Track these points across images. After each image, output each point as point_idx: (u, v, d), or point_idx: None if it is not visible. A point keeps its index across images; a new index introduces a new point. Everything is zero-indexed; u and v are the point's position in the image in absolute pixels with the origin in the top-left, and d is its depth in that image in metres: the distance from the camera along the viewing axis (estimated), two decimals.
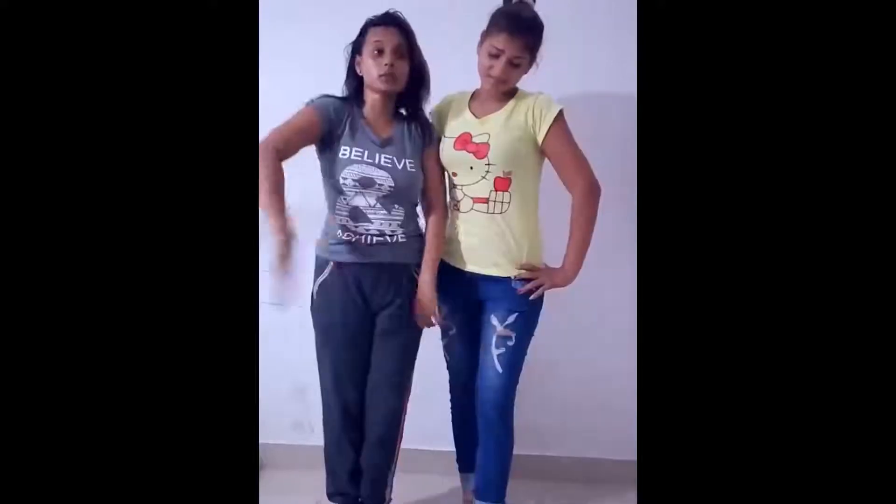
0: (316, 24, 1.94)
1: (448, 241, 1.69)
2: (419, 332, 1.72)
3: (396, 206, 1.61)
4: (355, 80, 1.64)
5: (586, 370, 2.06)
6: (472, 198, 1.61)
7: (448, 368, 1.82)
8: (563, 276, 1.62)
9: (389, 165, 1.58)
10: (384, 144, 1.60)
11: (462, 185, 1.63)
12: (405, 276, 1.66)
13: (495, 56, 1.51)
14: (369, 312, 1.65)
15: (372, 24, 1.58)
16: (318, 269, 1.65)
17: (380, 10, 1.61)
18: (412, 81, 1.62)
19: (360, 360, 1.67)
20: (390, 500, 1.80)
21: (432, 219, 1.69)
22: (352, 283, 1.61)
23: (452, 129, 1.64)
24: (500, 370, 1.64)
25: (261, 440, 2.08)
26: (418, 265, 1.68)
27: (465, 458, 1.87)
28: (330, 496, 1.76)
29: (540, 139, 1.55)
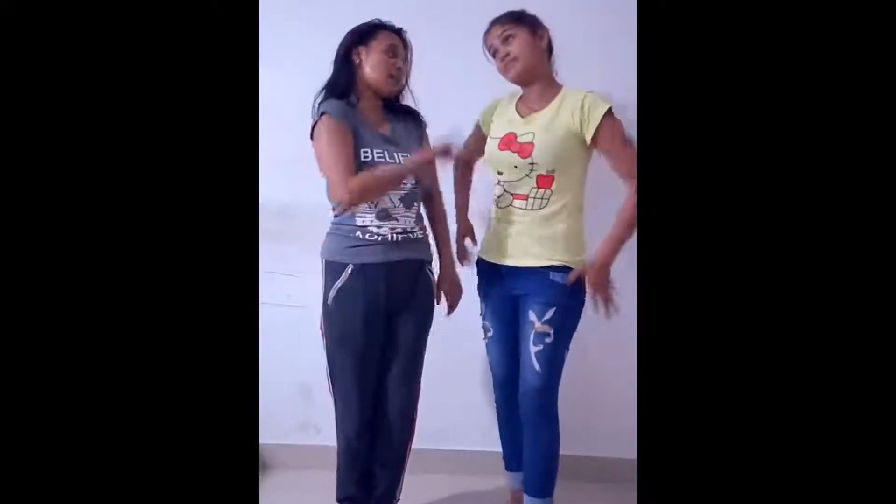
0: (317, 24, 1.94)
1: (486, 237, 1.73)
2: (428, 327, 1.74)
3: (414, 203, 1.65)
4: (350, 72, 1.62)
5: (586, 369, 2.06)
6: (512, 194, 1.62)
7: (490, 368, 1.81)
8: (594, 272, 1.56)
9: None
10: (394, 142, 1.62)
11: (505, 182, 1.63)
12: (421, 273, 1.68)
13: (494, 53, 1.59)
14: (386, 313, 1.64)
15: (383, 27, 1.63)
16: (333, 274, 1.61)
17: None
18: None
19: (377, 364, 1.66)
20: (398, 499, 1.80)
21: (434, 201, 1.76)
22: (374, 285, 1.59)
23: (497, 129, 1.66)
24: (538, 369, 1.60)
25: (265, 441, 2.10)
26: (430, 262, 1.72)
27: (510, 456, 1.86)
28: (339, 501, 1.76)
29: (589, 138, 1.54)
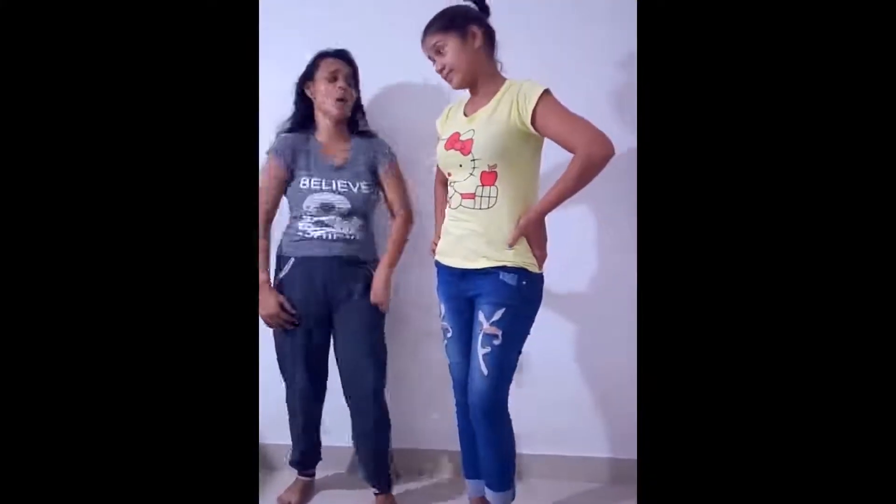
0: (317, 21, 1.95)
1: (441, 238, 1.73)
2: (381, 316, 1.84)
3: (354, 218, 1.79)
4: (305, 106, 1.82)
5: (588, 369, 2.06)
6: (461, 194, 1.60)
7: (449, 370, 1.78)
8: (526, 218, 1.54)
9: (345, 190, 1.77)
10: (339, 169, 1.78)
11: (454, 182, 1.63)
12: (361, 272, 1.80)
13: (433, 61, 1.61)
14: (327, 302, 1.80)
15: (326, 55, 1.77)
16: (280, 266, 1.82)
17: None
18: (355, 109, 1.83)
19: (318, 347, 1.84)
20: (390, 486, 1.90)
21: (396, 222, 1.87)
22: (313, 276, 1.78)
23: (445, 131, 1.67)
24: (484, 372, 1.57)
25: (269, 441, 2.11)
26: (374, 262, 1.84)
27: (469, 463, 1.80)
28: (291, 464, 2.00)
29: (528, 122, 1.49)
